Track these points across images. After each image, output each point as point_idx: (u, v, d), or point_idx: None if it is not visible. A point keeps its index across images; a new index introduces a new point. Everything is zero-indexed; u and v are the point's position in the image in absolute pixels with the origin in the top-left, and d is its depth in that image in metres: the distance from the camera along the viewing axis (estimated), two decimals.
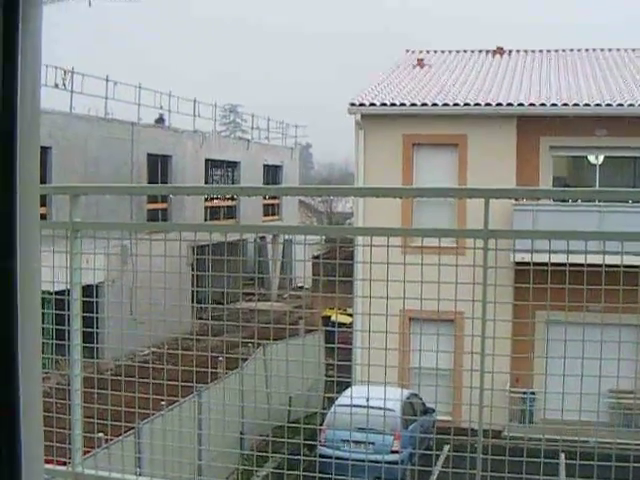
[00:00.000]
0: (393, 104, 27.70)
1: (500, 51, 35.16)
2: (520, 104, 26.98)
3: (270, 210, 52.96)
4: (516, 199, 23.19)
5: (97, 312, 7.09)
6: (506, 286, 6.46)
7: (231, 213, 47.14)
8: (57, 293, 6.23)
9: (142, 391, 7.07)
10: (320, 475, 6.48)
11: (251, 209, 47.75)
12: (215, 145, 47.07)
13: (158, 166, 40.15)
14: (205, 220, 43.06)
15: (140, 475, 7.05)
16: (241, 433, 16.36)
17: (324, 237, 9.97)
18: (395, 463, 14.25)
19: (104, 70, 48.23)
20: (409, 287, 5.63)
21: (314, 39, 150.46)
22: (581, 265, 5.37)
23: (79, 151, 33.91)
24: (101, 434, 9.15)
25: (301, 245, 6.45)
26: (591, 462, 5.41)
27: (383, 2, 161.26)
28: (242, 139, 57.08)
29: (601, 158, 27.55)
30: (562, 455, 6.57)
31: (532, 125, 27.00)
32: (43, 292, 2.20)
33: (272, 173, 54.77)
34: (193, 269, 7.63)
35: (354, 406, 6.40)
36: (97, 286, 7.83)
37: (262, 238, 42.55)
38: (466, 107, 27.28)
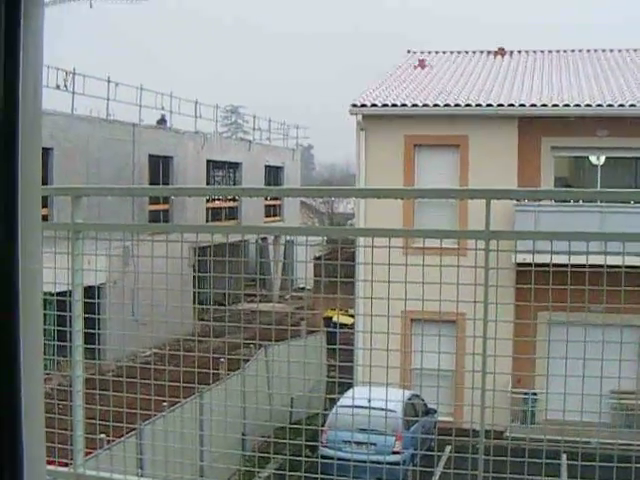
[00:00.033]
0: (394, 105, 27.70)
1: (501, 52, 35.15)
2: (521, 105, 26.98)
3: (271, 211, 52.99)
4: (517, 200, 23.15)
5: (99, 313, 7.10)
6: (507, 287, 6.45)
7: (232, 214, 47.15)
8: (59, 294, 6.23)
9: (144, 392, 7.07)
10: (322, 476, 6.48)
11: (252, 210, 47.74)
12: (217, 146, 47.08)
13: (160, 167, 40.17)
14: (207, 221, 43.07)
15: (142, 476, 7.06)
16: (243, 434, 16.35)
17: (325, 238, 9.97)
18: (397, 464, 14.24)
19: (105, 71, 48.29)
20: (410, 288, 5.63)
21: (315, 39, 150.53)
22: (583, 266, 5.37)
23: (81, 152, 33.92)
24: (103, 435, 9.15)
25: (302, 246, 6.45)
26: (593, 463, 5.41)
27: (383, 2, 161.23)
28: (243, 140, 57.11)
29: (602, 159, 27.54)
30: (564, 456, 6.56)
31: (533, 126, 26.99)
32: (45, 293, 2.20)
33: (273, 174, 54.78)
34: (195, 270, 7.63)
35: (356, 407, 6.40)
36: (99, 287, 7.84)
37: (264, 239, 42.59)
38: (467, 108, 27.27)
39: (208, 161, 45.65)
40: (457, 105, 27.38)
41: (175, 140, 41.98)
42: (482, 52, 35.75)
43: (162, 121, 43.62)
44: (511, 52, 35.29)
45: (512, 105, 27.01)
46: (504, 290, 6.00)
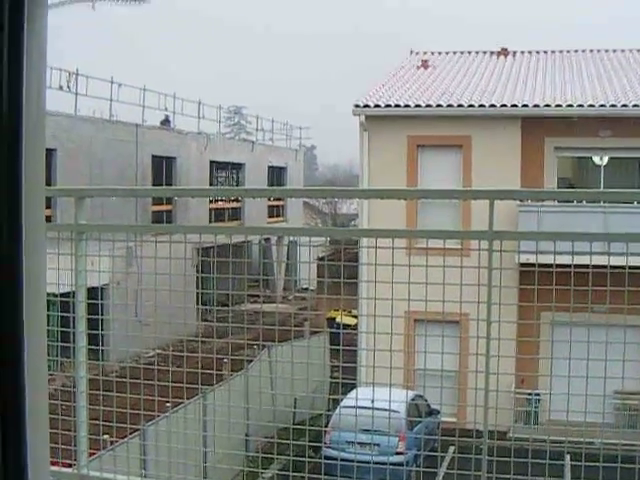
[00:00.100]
0: (397, 105, 27.69)
1: (504, 52, 35.14)
2: (524, 105, 26.97)
3: (275, 212, 52.98)
4: (521, 200, 23.15)
5: (102, 314, 7.09)
6: (511, 287, 6.45)
7: (236, 215, 47.15)
8: (62, 295, 6.24)
9: (147, 393, 7.08)
10: (325, 477, 6.48)
11: (256, 211, 47.74)
12: (220, 147, 47.09)
13: (163, 168, 40.17)
14: (210, 222, 43.06)
15: (145, 477, 7.06)
16: (246, 435, 16.36)
17: (329, 239, 9.97)
18: (400, 465, 14.24)
19: (109, 72, 48.30)
20: (414, 288, 5.63)
21: (317, 40, 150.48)
22: (586, 266, 5.37)
23: (84, 153, 33.94)
24: (106, 436, 9.16)
25: (306, 247, 6.46)
26: (596, 463, 5.41)
27: (385, 2, 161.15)
28: (247, 141, 57.09)
29: (606, 159, 27.53)
30: (567, 456, 6.57)
31: (537, 126, 26.98)
32: (48, 294, 2.20)
33: (277, 175, 54.78)
34: (198, 271, 7.64)
35: (359, 408, 6.40)
36: (102, 288, 7.83)
37: (267, 240, 42.62)
38: (470, 108, 27.26)
39: (211, 162, 45.67)
40: (460, 105, 27.37)
41: (178, 141, 42.00)
42: (485, 52, 35.75)
43: (166, 121, 43.64)
44: (514, 52, 35.28)
45: (515, 105, 27.01)
46: (507, 290, 5.99)
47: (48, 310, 2.24)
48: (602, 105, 26.35)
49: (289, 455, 7.44)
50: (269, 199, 50.41)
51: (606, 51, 34.80)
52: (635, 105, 26.08)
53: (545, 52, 35.08)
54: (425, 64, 33.37)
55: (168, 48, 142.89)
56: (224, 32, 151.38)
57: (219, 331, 7.28)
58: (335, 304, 28.47)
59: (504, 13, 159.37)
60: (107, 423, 7.01)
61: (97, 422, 7.00)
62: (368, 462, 6.44)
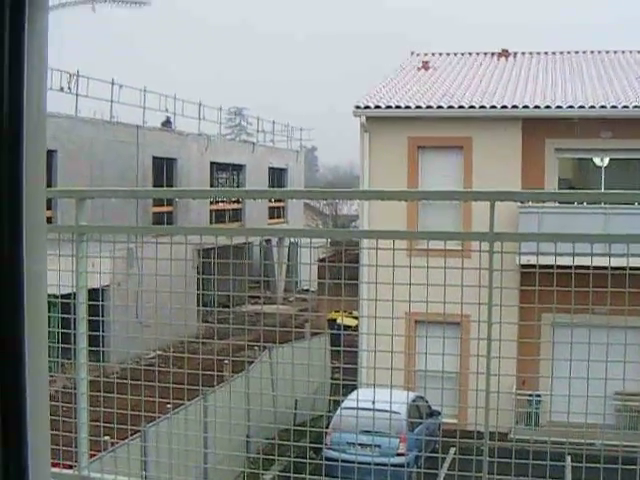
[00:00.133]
0: (398, 107, 27.70)
1: (505, 53, 35.14)
2: (525, 106, 26.96)
3: (275, 213, 52.98)
4: (521, 202, 23.14)
5: (103, 315, 7.10)
6: (512, 289, 6.45)
7: (236, 216, 47.15)
8: (63, 296, 6.24)
9: (148, 394, 7.08)
10: (326, 478, 6.48)
11: (256, 212, 47.74)
12: (220, 148, 47.10)
13: (163, 169, 40.19)
14: (210, 223, 43.07)
15: (146, 478, 7.07)
16: (247, 436, 16.37)
17: (329, 240, 9.98)
18: (401, 466, 14.23)
19: (109, 73, 48.35)
20: (415, 290, 5.63)
21: (319, 41, 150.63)
22: (587, 268, 5.37)
23: (84, 154, 33.95)
24: (107, 437, 9.17)
25: (307, 248, 6.46)
26: (597, 465, 5.41)
27: (386, 3, 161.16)
28: (247, 142, 57.09)
29: (606, 160, 27.52)
30: (568, 458, 6.57)
31: (537, 127, 26.98)
32: (49, 295, 2.20)
33: (277, 176, 54.79)
34: (199, 272, 7.64)
35: (360, 409, 6.39)
36: (103, 289, 7.83)
37: (267, 241, 42.59)
38: (471, 110, 27.26)
39: (212, 163, 45.67)
40: (461, 107, 27.37)
41: (179, 142, 42.02)
42: (486, 54, 35.75)
43: (167, 123, 43.65)
44: (515, 54, 35.28)
45: (516, 107, 27.01)
46: (508, 292, 5.99)
47: (49, 311, 2.24)
48: (603, 106, 26.35)
49: (290, 456, 7.45)
50: (270, 200, 50.38)
51: (607, 52, 34.81)
52: (636, 106, 26.08)
53: (546, 53, 35.08)
54: (426, 65, 33.38)
55: (169, 49, 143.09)
56: (224, 33, 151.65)
57: (220, 332, 7.28)
58: (336, 305, 28.45)
59: (505, 14, 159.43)
60: (108, 424, 7.01)
61: (98, 423, 7.00)
62: (369, 463, 6.43)
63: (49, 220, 21.82)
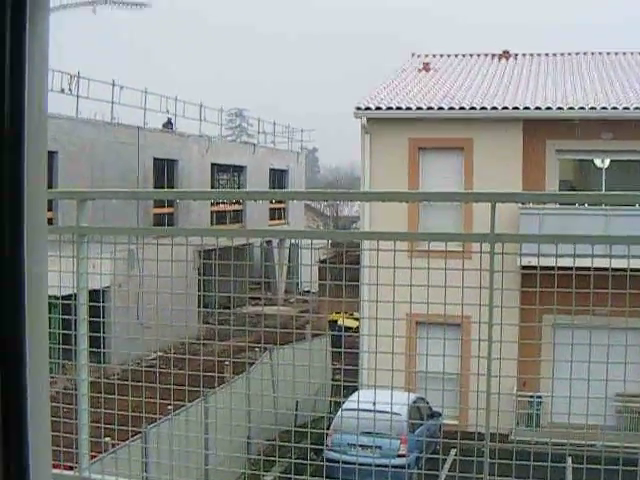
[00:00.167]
0: (399, 108, 27.71)
1: (506, 55, 35.14)
2: (526, 108, 26.97)
3: (276, 214, 52.98)
4: (522, 203, 23.13)
5: (103, 317, 7.10)
6: (513, 290, 6.46)
7: (237, 217, 47.14)
8: (64, 298, 6.24)
9: (148, 395, 7.08)
10: (327, 479, 6.48)
11: (257, 213, 47.74)
12: (221, 149, 47.10)
13: (164, 170, 40.19)
14: (211, 224, 43.07)
15: (147, 479, 7.06)
16: (248, 437, 16.36)
17: (330, 241, 9.98)
18: (402, 467, 14.23)
19: (110, 74, 48.36)
20: (415, 291, 5.63)
21: (319, 42, 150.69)
22: (588, 269, 5.37)
23: (85, 156, 33.95)
24: (108, 438, 9.16)
25: (307, 249, 6.47)
26: (598, 466, 5.41)
27: (387, 4, 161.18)
28: (248, 143, 57.08)
29: (607, 161, 27.51)
30: (569, 459, 6.57)
31: (538, 129, 26.98)
32: (50, 297, 2.21)
33: (278, 177, 54.79)
34: (200, 273, 7.63)
35: (361, 410, 6.40)
36: (103, 291, 7.84)
37: (268, 242, 42.64)
38: (472, 111, 27.27)
39: (213, 164, 45.66)
40: (462, 108, 27.37)
41: (180, 143, 42.02)
42: (486, 55, 35.75)
43: (168, 124, 43.64)
44: (515, 55, 35.28)
45: (517, 108, 27.02)
46: (509, 293, 5.99)
47: (49, 312, 2.24)
48: (603, 108, 26.35)
49: (291, 458, 7.45)
50: (271, 202, 50.34)
51: (607, 53, 34.81)
52: (637, 108, 26.09)
53: (546, 55, 35.08)
54: (426, 67, 33.39)
55: (169, 51, 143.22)
56: (225, 34, 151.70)
57: (221, 334, 7.28)
58: (337, 307, 28.44)
59: (505, 16, 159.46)
60: (109, 426, 7.01)
61: (99, 425, 7.00)
62: (370, 465, 6.44)
63: (50, 221, 21.82)
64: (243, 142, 63.12)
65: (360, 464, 6.20)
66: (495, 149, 26.87)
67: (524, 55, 35.31)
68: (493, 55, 35.50)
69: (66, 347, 6.34)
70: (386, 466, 7.38)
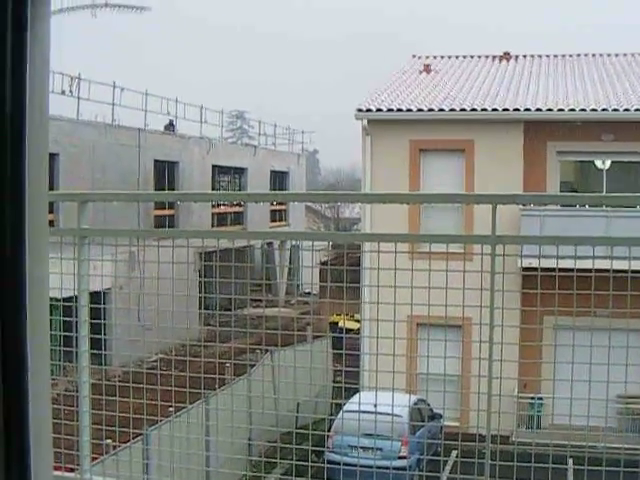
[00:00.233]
0: (400, 110, 27.70)
1: (506, 56, 35.13)
2: (527, 109, 26.96)
3: (277, 216, 52.99)
4: (523, 204, 23.13)
5: (105, 319, 7.10)
6: (514, 292, 6.46)
7: (238, 219, 47.15)
8: (65, 300, 6.24)
9: (150, 397, 7.08)
10: None
11: (258, 215, 47.77)
12: (222, 151, 47.11)
13: (165, 172, 40.20)
14: (212, 226, 43.09)
15: None
16: (249, 439, 16.35)
17: (331, 243, 9.97)
18: (403, 469, 14.24)
19: (111, 76, 48.33)
20: (416, 293, 5.63)
21: (320, 44, 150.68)
22: (589, 270, 5.37)
23: (86, 158, 33.95)
24: (109, 440, 9.16)
25: (308, 251, 6.46)
26: (599, 468, 5.40)
27: (390, 9, 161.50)
28: (249, 145, 57.12)
29: (608, 163, 27.50)
30: (570, 460, 6.55)
31: (539, 130, 26.97)
32: (51, 299, 2.21)
33: (279, 179, 54.80)
34: (200, 275, 7.64)
35: (362, 412, 6.40)
36: (105, 293, 7.84)
37: (269, 244, 42.62)
38: (473, 112, 27.26)
39: (213, 166, 45.66)
40: (462, 110, 27.36)
41: (180, 145, 42.02)
42: (487, 57, 35.74)
43: (170, 126, 43.64)
44: (516, 57, 35.27)
45: (517, 110, 27.00)
46: (510, 295, 6.00)
47: (51, 314, 2.24)
48: (604, 109, 26.35)
49: (292, 459, 7.45)
50: (271, 203, 50.35)
51: (608, 55, 34.80)
52: (637, 109, 26.08)
53: (547, 56, 35.08)
54: (427, 68, 33.39)
55: (170, 52, 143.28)
56: (226, 36, 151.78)
57: (222, 335, 7.27)
58: (338, 308, 28.49)
59: (506, 17, 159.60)
60: (110, 428, 7.01)
61: (100, 427, 7.00)
62: (371, 466, 6.43)
63: (51, 223, 21.82)
64: (244, 144, 63.15)
65: (361, 466, 6.19)
66: (496, 151, 26.86)
67: (525, 57, 35.30)
68: (494, 57, 35.49)
69: (67, 349, 6.34)
70: (387, 468, 7.39)
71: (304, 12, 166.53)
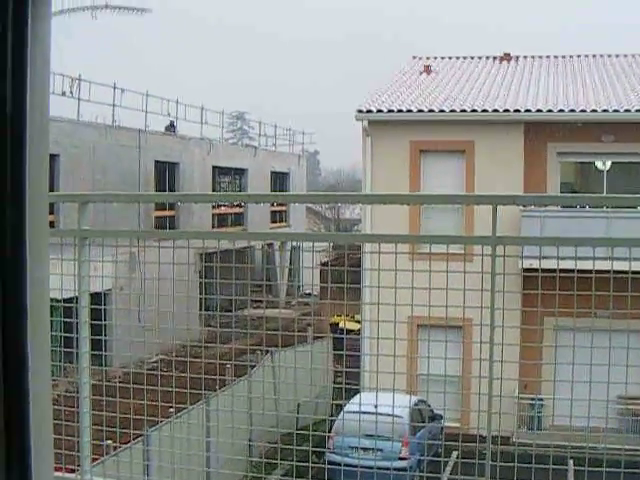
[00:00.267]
0: (400, 110, 27.69)
1: (507, 57, 35.12)
2: (527, 110, 26.96)
3: (278, 217, 52.99)
4: (524, 205, 23.13)
5: (105, 320, 7.09)
6: (514, 292, 6.45)
7: (239, 220, 47.16)
8: (65, 301, 6.24)
9: (150, 398, 7.08)
10: None
11: (259, 216, 47.77)
12: (222, 152, 47.11)
13: (166, 173, 40.20)
14: (213, 227, 43.10)
15: None
16: (249, 440, 16.34)
17: (332, 244, 9.96)
18: (403, 470, 14.25)
19: (111, 78, 48.33)
20: (417, 294, 5.63)
21: (321, 46, 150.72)
22: (589, 271, 5.37)
23: (87, 159, 33.96)
24: (109, 441, 9.16)
25: (309, 252, 6.46)
26: (600, 469, 5.40)
27: (390, 9, 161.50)
28: (249, 146, 57.14)
29: (608, 164, 27.50)
30: (571, 461, 6.55)
31: (539, 131, 26.97)
32: (51, 300, 2.21)
33: (279, 180, 54.80)
34: (201, 276, 7.64)
35: (362, 413, 6.40)
36: (105, 294, 7.84)
37: (270, 245, 42.61)
38: (473, 113, 27.25)
39: (214, 167, 45.66)
40: (463, 111, 27.36)
41: (181, 146, 42.02)
42: (487, 58, 35.73)
43: (171, 127, 43.63)
44: (517, 57, 35.26)
45: (518, 111, 27.00)
46: (511, 296, 6.00)
47: (51, 315, 2.24)
48: (605, 110, 26.34)
49: (292, 460, 7.44)
50: (272, 204, 50.38)
51: (609, 56, 34.79)
52: (638, 110, 26.07)
53: (548, 57, 35.08)
54: (428, 69, 33.39)
55: (171, 54, 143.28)
56: (227, 37, 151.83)
57: (222, 336, 7.27)
58: (338, 309, 28.50)
59: (506, 17, 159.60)
60: (110, 428, 7.01)
61: (100, 427, 7.00)
62: (371, 467, 6.44)
63: (51, 224, 21.83)
64: (244, 145, 63.21)
65: (362, 467, 6.20)
66: (496, 152, 26.87)
67: (525, 58, 35.30)
68: (494, 58, 35.48)
69: (68, 350, 6.35)
70: (387, 469, 7.38)
71: (304, 12, 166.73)
